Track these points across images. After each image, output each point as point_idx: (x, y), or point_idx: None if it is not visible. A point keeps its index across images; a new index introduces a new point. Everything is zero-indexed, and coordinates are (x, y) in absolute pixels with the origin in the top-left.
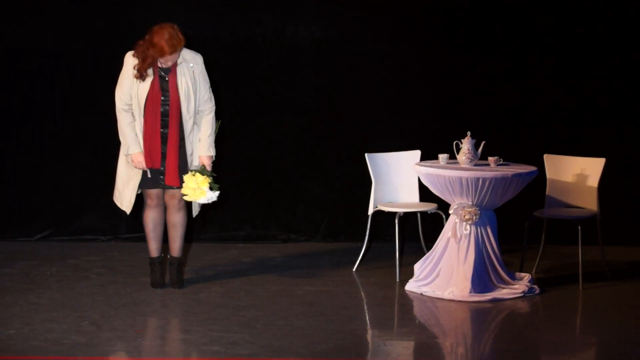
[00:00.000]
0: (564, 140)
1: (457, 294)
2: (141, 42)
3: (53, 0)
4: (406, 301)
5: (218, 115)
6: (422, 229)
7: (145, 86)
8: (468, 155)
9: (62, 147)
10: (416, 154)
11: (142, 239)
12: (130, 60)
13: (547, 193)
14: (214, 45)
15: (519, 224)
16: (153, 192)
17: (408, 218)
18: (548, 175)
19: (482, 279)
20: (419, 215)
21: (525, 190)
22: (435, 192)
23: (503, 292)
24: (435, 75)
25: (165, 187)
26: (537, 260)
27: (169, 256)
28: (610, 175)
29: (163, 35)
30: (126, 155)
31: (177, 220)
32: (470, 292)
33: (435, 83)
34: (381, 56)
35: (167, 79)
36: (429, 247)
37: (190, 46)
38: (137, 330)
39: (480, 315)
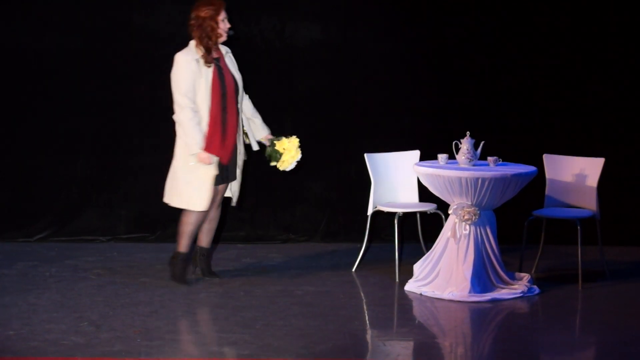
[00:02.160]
0: (563, 140)
1: (457, 294)
2: (194, 30)
3: (50, 1)
4: (405, 301)
5: None
6: (421, 229)
7: (207, 79)
8: (467, 155)
9: (61, 147)
10: (415, 154)
11: (142, 239)
12: (183, 58)
13: (546, 193)
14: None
15: (518, 224)
16: (217, 189)
17: (407, 218)
18: (547, 175)
19: (481, 279)
20: (418, 215)
21: (525, 190)
22: (434, 192)
23: (502, 292)
24: (434, 75)
25: (227, 182)
26: (537, 260)
27: (200, 248)
28: (610, 175)
29: (203, 1)
30: (192, 155)
31: (216, 215)
32: (469, 292)
33: (435, 83)
34: (380, 56)
35: (219, 67)
36: (429, 247)
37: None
38: (136, 331)
39: (479, 315)
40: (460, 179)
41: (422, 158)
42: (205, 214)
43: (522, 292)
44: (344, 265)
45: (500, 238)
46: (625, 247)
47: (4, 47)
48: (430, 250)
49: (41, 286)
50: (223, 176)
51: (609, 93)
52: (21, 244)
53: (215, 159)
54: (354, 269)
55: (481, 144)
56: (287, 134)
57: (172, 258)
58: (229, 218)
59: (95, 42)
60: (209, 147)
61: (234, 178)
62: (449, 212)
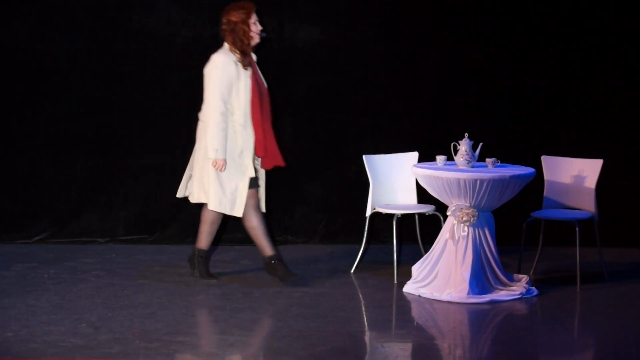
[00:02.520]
0: (562, 141)
1: (455, 296)
2: (227, 35)
3: (50, 2)
4: (404, 303)
5: None
6: (419, 230)
7: (246, 82)
8: (466, 156)
9: (59, 149)
10: (414, 155)
11: (140, 241)
12: (223, 59)
13: (544, 194)
14: (212, 46)
15: (516, 226)
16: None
17: (406, 220)
18: (546, 176)
19: (479, 281)
20: (416, 216)
21: (523, 192)
22: (433, 193)
23: (501, 294)
24: (433, 77)
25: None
26: (535, 262)
27: (267, 257)
28: (608, 177)
29: (233, 4)
30: (215, 158)
31: (257, 222)
32: (468, 294)
33: (433, 84)
34: (379, 57)
35: (255, 74)
36: (427, 248)
37: (188, 47)
38: (134, 333)
39: (478, 317)
40: (458, 180)
41: (421, 159)
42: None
43: (521, 293)
44: (343, 267)
45: (499, 239)
46: (623, 249)
47: (4, 48)
48: (429, 252)
49: (40, 288)
50: (253, 181)
51: (607, 95)
52: (20, 246)
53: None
54: (352, 271)
55: (479, 146)
56: None
57: (193, 256)
58: (227, 220)
59: (94, 42)
60: (259, 150)
61: (258, 185)
62: (448, 213)
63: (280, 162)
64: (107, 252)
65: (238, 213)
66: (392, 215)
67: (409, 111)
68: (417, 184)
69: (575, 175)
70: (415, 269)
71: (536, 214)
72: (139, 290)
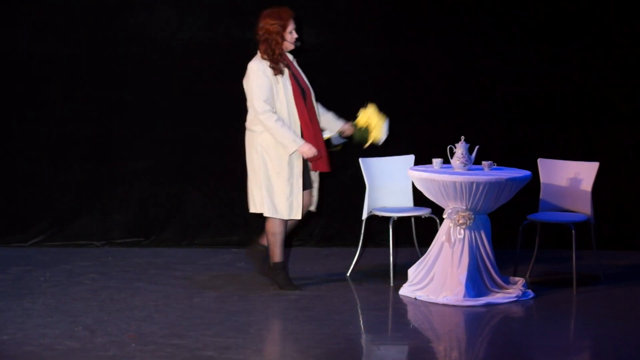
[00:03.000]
0: (558, 144)
1: (451, 299)
2: (260, 42)
3: (46, 5)
4: (400, 306)
5: None
6: (416, 233)
7: (286, 86)
8: (462, 159)
9: (55, 152)
10: (410, 158)
11: (136, 244)
12: (258, 66)
13: (540, 197)
14: (209, 49)
15: (512, 228)
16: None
17: (402, 222)
18: (542, 179)
19: (476, 284)
20: (412, 219)
21: (519, 195)
22: (429, 196)
23: (497, 297)
24: (429, 80)
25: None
26: (531, 265)
27: (276, 262)
28: (604, 180)
29: (271, 11)
30: (293, 153)
31: (289, 227)
32: (464, 297)
33: (430, 87)
34: (376, 60)
35: (292, 74)
36: (423, 251)
37: (185, 50)
38: (130, 336)
39: (474, 319)
40: (454, 183)
41: (417, 162)
42: (286, 221)
43: (517, 296)
44: (339, 270)
45: (495, 242)
46: (619, 251)
47: (0, 51)
48: (425, 255)
49: (36, 291)
50: (307, 182)
51: (604, 97)
52: (16, 249)
53: (313, 151)
54: (348, 274)
55: (476, 149)
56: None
57: (271, 270)
58: (223, 223)
59: (90, 47)
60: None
61: (311, 186)
62: (444, 216)
63: (325, 166)
64: (103, 255)
65: (297, 216)
66: (388, 218)
67: (405, 114)
68: (414, 187)
69: (571, 178)
70: (411, 271)
71: (532, 217)
72: (134, 293)
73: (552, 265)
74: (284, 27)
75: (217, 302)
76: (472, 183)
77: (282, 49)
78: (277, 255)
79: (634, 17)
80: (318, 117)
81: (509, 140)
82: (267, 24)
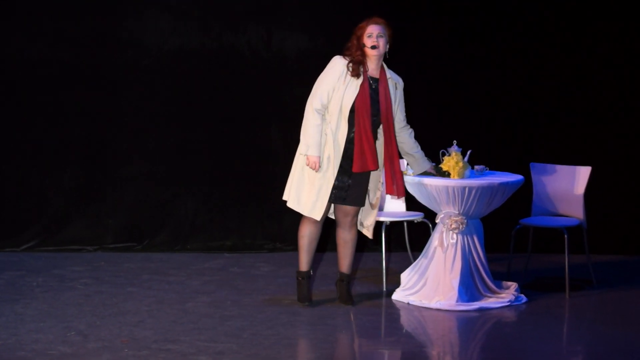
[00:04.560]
0: (550, 148)
1: (444, 303)
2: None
3: (40, 11)
4: (393, 310)
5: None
6: (408, 238)
7: (352, 91)
8: None
9: (48, 157)
10: (402, 163)
11: (129, 249)
12: (337, 61)
13: (533, 201)
14: (200, 55)
15: (505, 233)
16: (338, 207)
17: (394, 227)
18: (534, 183)
19: (468, 288)
20: (405, 224)
21: (512, 199)
22: (421, 201)
23: (490, 301)
24: (421, 85)
25: (342, 203)
26: (524, 269)
27: (339, 273)
28: (597, 184)
29: (363, 21)
30: (303, 155)
31: (349, 238)
32: (457, 301)
33: (421, 92)
34: None
35: (374, 87)
36: (416, 256)
37: (177, 55)
38: (123, 341)
39: (467, 324)
40: (447, 187)
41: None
42: (314, 232)
43: (510, 300)
44: (332, 274)
45: (488, 247)
46: (612, 256)
47: None
48: (418, 259)
49: (28, 296)
50: (342, 195)
51: (596, 101)
52: (8, 254)
53: (315, 166)
54: None
55: (468, 153)
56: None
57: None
58: (216, 227)
59: (82, 51)
60: (355, 167)
61: (360, 204)
62: (436, 221)
63: (397, 192)
64: (95, 260)
65: (317, 216)
66: (380, 222)
67: None
68: (406, 192)
69: (563, 183)
70: (404, 276)
71: (525, 221)
72: (127, 298)
73: (545, 270)
74: (363, 30)
75: (211, 307)
76: (464, 187)
77: (356, 54)
78: (300, 262)
79: (629, 21)
80: (394, 141)
81: (502, 144)
82: (355, 34)
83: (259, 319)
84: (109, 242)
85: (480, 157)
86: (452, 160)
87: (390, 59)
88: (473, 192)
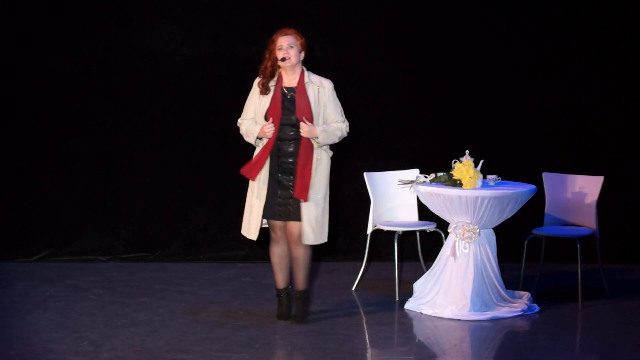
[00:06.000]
0: (563, 158)
1: (457, 313)
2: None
3: (50, 21)
4: (405, 320)
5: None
6: (421, 247)
7: (265, 102)
8: None
9: (61, 167)
10: (415, 172)
11: (141, 259)
12: (255, 82)
13: (545, 211)
14: (212, 64)
15: (518, 242)
16: (276, 225)
17: (407, 237)
18: (547, 193)
19: (481, 298)
20: (418, 234)
21: (524, 209)
22: (434, 210)
23: (502, 311)
24: (433, 94)
25: (285, 220)
26: (537, 279)
27: (293, 290)
28: (609, 193)
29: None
30: (259, 139)
31: (297, 254)
32: (469, 311)
33: (434, 102)
34: (379, 75)
35: (290, 97)
36: (428, 265)
37: (188, 65)
38: (136, 351)
39: (479, 333)
40: (459, 197)
41: None
42: (278, 250)
43: (522, 310)
44: (344, 284)
45: (500, 256)
46: (625, 265)
47: (4, 67)
48: (430, 269)
49: (41, 306)
50: (275, 211)
51: (609, 111)
52: (21, 264)
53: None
54: (353, 288)
55: (480, 163)
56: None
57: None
58: (229, 237)
59: (94, 62)
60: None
61: (295, 218)
62: (449, 230)
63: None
64: (108, 270)
65: (252, 236)
66: (393, 232)
67: (409, 128)
68: (418, 201)
69: (576, 192)
70: (416, 286)
71: (537, 231)
72: (140, 308)
73: (558, 280)
74: (274, 42)
75: (223, 316)
76: (477, 197)
77: (265, 68)
78: (275, 280)
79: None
80: (308, 149)
81: (514, 154)
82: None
83: (272, 328)
84: (122, 252)
85: (493, 167)
86: (463, 167)
87: (402, 70)
88: (486, 201)
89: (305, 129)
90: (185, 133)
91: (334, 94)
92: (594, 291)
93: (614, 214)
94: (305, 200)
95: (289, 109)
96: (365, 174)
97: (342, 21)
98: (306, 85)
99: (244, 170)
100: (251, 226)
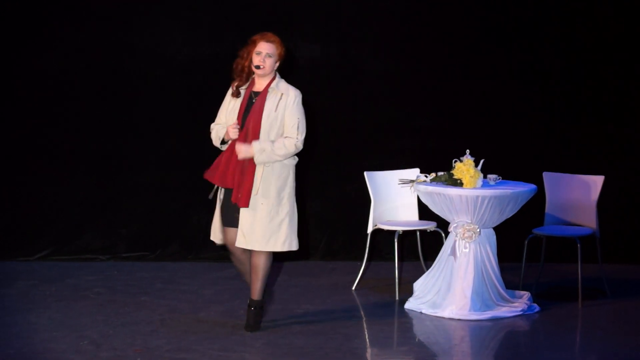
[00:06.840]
0: (563, 157)
1: (457, 312)
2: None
3: (50, 21)
4: (405, 319)
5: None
6: (421, 247)
7: (235, 105)
8: None
9: (61, 166)
10: (415, 172)
11: (142, 258)
12: (230, 88)
13: (546, 211)
14: (213, 64)
15: (518, 242)
16: (226, 232)
17: (407, 236)
18: (547, 193)
19: (481, 297)
20: (418, 233)
21: (525, 208)
22: (434, 210)
23: (502, 310)
24: (433, 93)
25: (236, 226)
26: (537, 278)
27: (248, 298)
28: (609, 193)
29: (257, 34)
30: (224, 143)
31: (253, 262)
32: (469, 311)
33: (434, 101)
34: (380, 74)
35: (254, 101)
36: (429, 265)
37: (189, 65)
38: (136, 350)
39: (479, 333)
40: (460, 197)
41: None
42: (238, 254)
43: (523, 310)
44: (344, 284)
45: (500, 256)
46: (625, 265)
47: (5, 67)
48: (430, 268)
49: (41, 305)
50: (229, 218)
51: (609, 111)
52: (21, 263)
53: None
54: (354, 287)
55: (481, 162)
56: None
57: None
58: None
59: (95, 62)
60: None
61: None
62: (449, 230)
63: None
64: (108, 270)
65: (215, 239)
66: (393, 231)
67: (409, 128)
68: (419, 201)
69: (576, 192)
70: (416, 285)
71: (537, 231)
72: (140, 308)
73: (558, 279)
74: (253, 46)
75: (224, 316)
76: (477, 197)
77: (245, 73)
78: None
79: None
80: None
81: (514, 153)
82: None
83: (272, 328)
84: (122, 251)
85: (493, 167)
86: (464, 167)
87: (402, 69)
88: (486, 201)
89: (241, 149)
90: (186, 133)
91: (298, 105)
92: (594, 291)
93: (614, 214)
94: (243, 206)
95: (247, 112)
96: (365, 173)
97: (343, 21)
98: (269, 91)
99: (207, 174)
100: (215, 228)
